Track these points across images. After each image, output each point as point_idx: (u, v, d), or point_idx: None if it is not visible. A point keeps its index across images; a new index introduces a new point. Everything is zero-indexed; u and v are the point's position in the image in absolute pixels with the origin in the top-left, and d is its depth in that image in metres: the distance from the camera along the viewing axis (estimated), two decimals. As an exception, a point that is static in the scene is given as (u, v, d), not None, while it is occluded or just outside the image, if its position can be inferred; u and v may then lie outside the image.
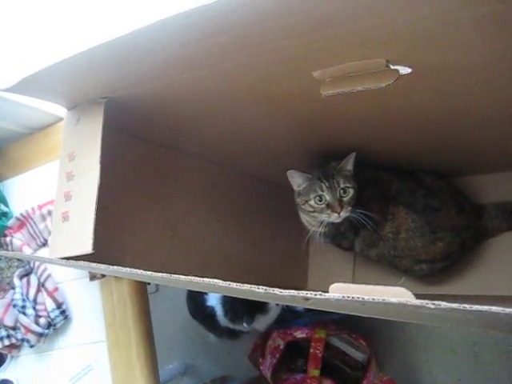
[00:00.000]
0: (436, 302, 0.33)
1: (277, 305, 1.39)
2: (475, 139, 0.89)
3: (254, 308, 1.34)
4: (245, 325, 1.32)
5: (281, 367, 1.46)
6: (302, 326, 1.43)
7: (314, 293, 0.38)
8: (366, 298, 0.36)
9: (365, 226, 1.00)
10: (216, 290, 0.58)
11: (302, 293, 0.39)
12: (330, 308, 0.47)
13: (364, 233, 1.04)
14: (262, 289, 0.41)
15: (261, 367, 1.52)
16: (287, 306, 1.45)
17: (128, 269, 0.54)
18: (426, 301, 0.33)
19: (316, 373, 1.36)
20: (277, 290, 0.40)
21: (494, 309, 0.31)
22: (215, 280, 0.44)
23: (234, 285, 0.42)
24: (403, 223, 0.99)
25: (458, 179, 1.13)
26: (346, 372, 1.40)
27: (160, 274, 0.48)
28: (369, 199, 1.00)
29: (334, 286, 0.43)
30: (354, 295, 0.36)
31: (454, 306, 0.32)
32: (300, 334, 1.42)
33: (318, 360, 1.37)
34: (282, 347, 1.43)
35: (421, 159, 1.04)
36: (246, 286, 0.41)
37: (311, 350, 1.37)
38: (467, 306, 0.32)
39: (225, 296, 1.38)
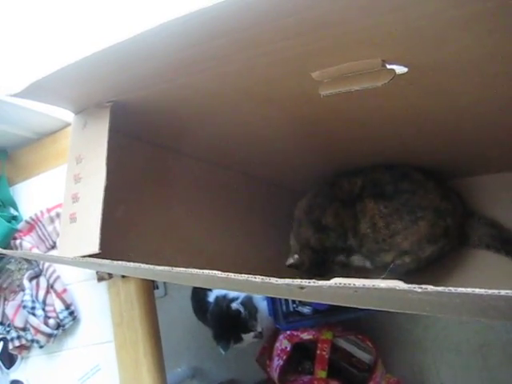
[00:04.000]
0: (423, 286, 0.34)
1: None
2: (472, 139, 0.89)
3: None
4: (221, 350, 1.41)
5: (288, 369, 1.47)
6: (308, 328, 1.44)
7: (308, 281, 0.40)
8: (356, 284, 0.37)
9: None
10: (215, 282, 0.59)
11: (297, 281, 0.40)
12: (324, 298, 0.49)
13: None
14: (258, 278, 0.42)
15: (268, 369, 1.53)
16: (294, 308, 1.46)
17: (132, 263, 0.55)
18: (414, 285, 0.35)
19: (323, 374, 1.37)
20: (273, 279, 0.41)
21: (478, 290, 0.32)
22: (214, 271, 0.45)
23: (232, 275, 0.44)
24: (375, 213, 0.97)
25: (454, 181, 1.12)
26: (352, 373, 1.41)
27: (161, 268, 0.50)
28: (334, 216, 1.02)
29: (334, 280, 0.44)
30: (346, 282, 0.38)
31: (440, 289, 0.34)
32: (307, 336, 1.43)
33: (324, 361, 1.37)
34: (288, 349, 1.44)
35: (420, 161, 1.04)
36: (244, 276, 0.43)
37: (318, 352, 1.38)
38: (452, 289, 0.33)
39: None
